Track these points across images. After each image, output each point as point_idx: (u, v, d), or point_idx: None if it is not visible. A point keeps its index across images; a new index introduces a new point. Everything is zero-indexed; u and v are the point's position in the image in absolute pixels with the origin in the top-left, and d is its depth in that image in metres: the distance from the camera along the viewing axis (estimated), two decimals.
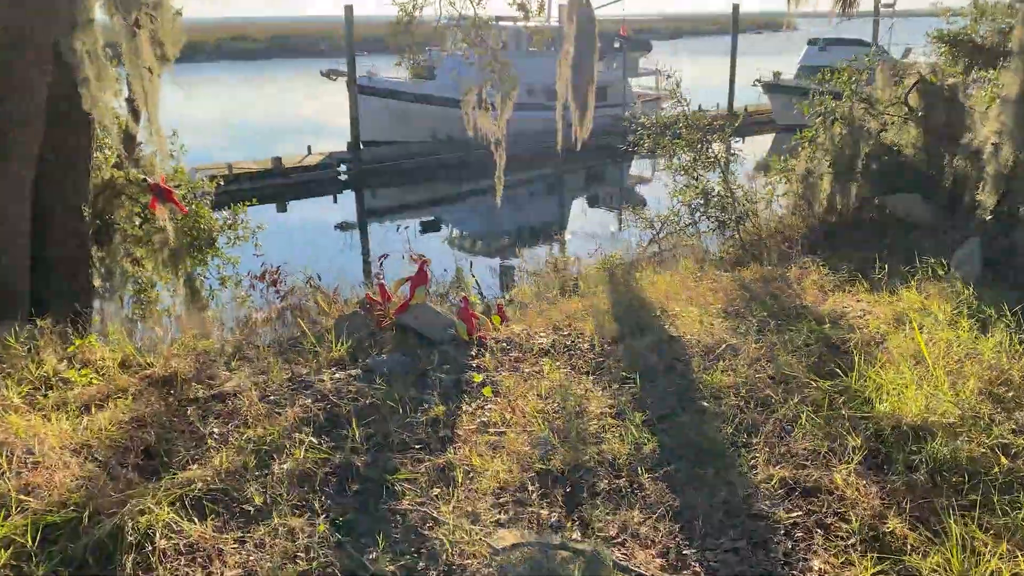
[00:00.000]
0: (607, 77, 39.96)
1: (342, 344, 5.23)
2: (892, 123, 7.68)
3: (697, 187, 8.28)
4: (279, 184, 29.58)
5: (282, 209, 28.76)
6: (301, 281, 7.87)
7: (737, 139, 42.99)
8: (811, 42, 45.42)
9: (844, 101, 8.03)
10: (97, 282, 7.59)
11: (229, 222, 8.06)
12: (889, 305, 5.37)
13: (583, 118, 10.82)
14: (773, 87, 42.36)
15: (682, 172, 8.52)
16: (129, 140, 7.85)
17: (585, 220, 28.38)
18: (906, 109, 7.85)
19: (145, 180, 6.78)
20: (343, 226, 26.94)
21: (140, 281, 8.38)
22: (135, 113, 7.53)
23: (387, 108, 34.01)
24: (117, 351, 5.29)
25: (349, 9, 31.36)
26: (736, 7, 44.55)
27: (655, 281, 6.66)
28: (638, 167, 37.36)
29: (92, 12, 5.90)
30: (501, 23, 12.85)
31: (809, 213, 7.78)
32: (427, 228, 27.41)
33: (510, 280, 17.75)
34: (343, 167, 31.84)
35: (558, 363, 5.01)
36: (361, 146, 31.79)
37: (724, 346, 4.91)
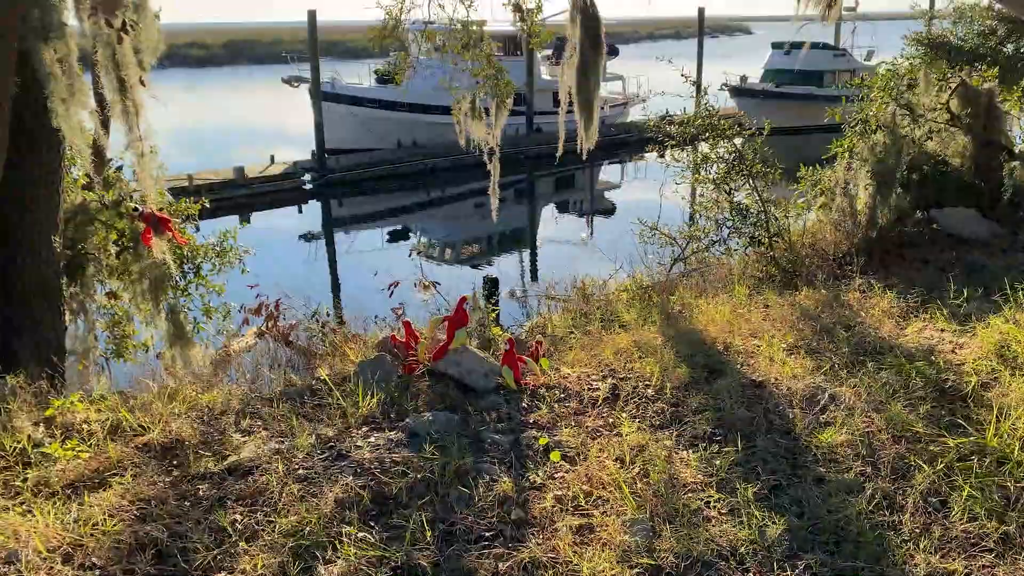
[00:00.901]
0: None
1: (371, 397, 4.50)
2: (936, 131, 7.18)
3: (729, 200, 7.69)
4: (242, 195, 28.53)
5: (245, 221, 27.71)
6: (298, 309, 7.11)
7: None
8: (775, 46, 45.57)
9: (880, 106, 7.49)
10: (67, 316, 6.74)
11: (217, 249, 7.24)
12: (982, 337, 4.82)
13: (589, 126, 10.20)
14: (740, 91, 42.39)
15: (711, 184, 7.92)
16: (98, 157, 7.00)
17: (556, 226, 27.88)
18: (948, 115, 7.38)
19: (136, 210, 5.94)
20: (308, 236, 26.07)
21: (115, 313, 7.54)
22: (104, 125, 6.68)
23: (352, 115, 33.15)
24: (105, 411, 4.50)
25: (312, 14, 30.47)
26: (702, 10, 44.52)
27: (703, 309, 6.04)
28: (607, 173, 37.03)
29: (64, 15, 5.10)
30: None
31: (851, 229, 7.22)
32: (395, 237, 26.72)
33: (495, 295, 17.17)
34: (308, 176, 30.87)
35: (626, 414, 4.34)
36: (326, 154, 30.87)
37: (820, 393, 4.29)
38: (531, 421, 4.31)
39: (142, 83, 5.24)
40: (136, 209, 5.93)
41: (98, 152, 6.70)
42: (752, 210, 7.63)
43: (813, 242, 7.45)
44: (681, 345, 5.18)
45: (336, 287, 21.00)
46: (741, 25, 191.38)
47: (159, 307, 6.90)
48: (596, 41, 9.94)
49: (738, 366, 4.83)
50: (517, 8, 10.51)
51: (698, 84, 38.53)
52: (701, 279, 7.22)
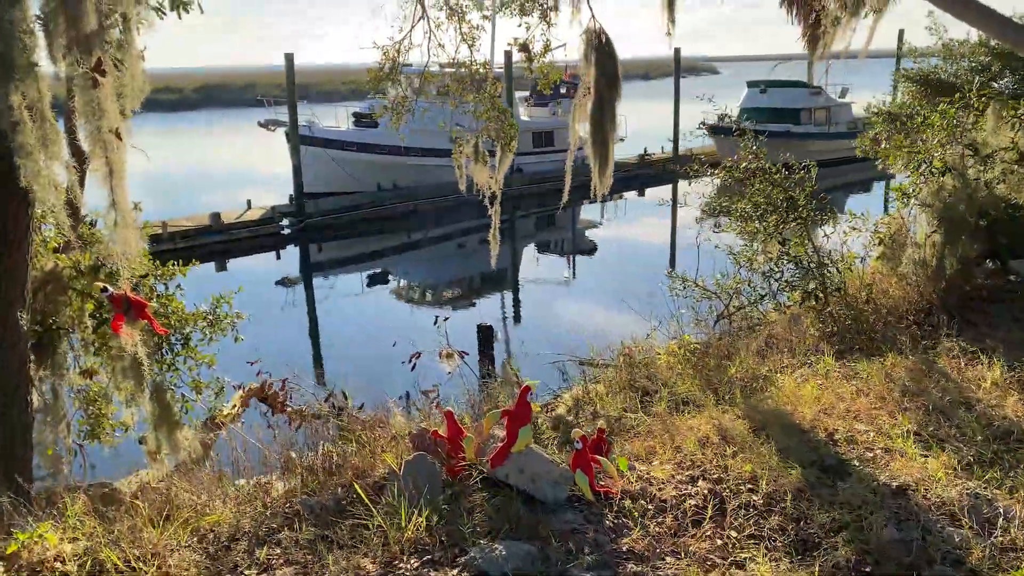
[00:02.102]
0: (554, 123, 39.39)
1: (417, 514, 3.63)
2: (1009, 172, 6.52)
3: (785, 251, 6.94)
4: (218, 242, 27.57)
5: (221, 268, 26.76)
6: (304, 383, 6.22)
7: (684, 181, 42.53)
8: (751, 84, 45.83)
9: (936, 145, 6.81)
10: (35, 399, 5.80)
11: (209, 317, 6.30)
12: None
13: (604, 169, 9.50)
14: (718, 129, 42.38)
15: (762, 235, 7.16)
16: (73, 215, 6.11)
17: (537, 266, 27.23)
18: (1017, 155, 6.73)
19: (105, 290, 4.97)
20: (286, 281, 25.14)
21: (90, 389, 6.60)
22: (81, 178, 5.79)
23: (330, 158, 32.46)
24: (82, 540, 3.59)
25: (290, 57, 29.86)
26: (678, 51, 44.62)
27: (781, 382, 5.25)
28: (588, 212, 36.57)
29: (36, 55, 4.26)
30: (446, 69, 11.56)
31: (923, 281, 6.49)
32: (375, 280, 25.91)
33: (491, 343, 16.28)
34: (286, 221, 30.00)
35: (737, 533, 3.51)
36: (304, 198, 30.06)
37: (984, 505, 3.49)
38: (624, 549, 3.46)
39: (118, 136, 4.38)
40: (105, 289, 4.96)
41: (73, 210, 5.82)
42: (804, 260, 6.89)
43: (872, 295, 6.71)
44: (775, 432, 4.38)
45: (315, 336, 20.11)
46: (708, 66, 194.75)
47: (142, 385, 5.98)
48: (612, 80, 9.28)
49: (855, 462, 4.03)
50: (524, 48, 9.85)
51: (676, 123, 38.50)
52: (756, 340, 6.43)
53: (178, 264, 6.24)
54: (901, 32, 55.86)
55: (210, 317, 6.20)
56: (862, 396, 4.88)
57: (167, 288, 6.04)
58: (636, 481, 4.01)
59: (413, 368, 5.68)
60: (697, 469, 4.10)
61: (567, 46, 9.97)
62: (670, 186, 40.41)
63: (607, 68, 9.21)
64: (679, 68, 45.58)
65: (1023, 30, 11.00)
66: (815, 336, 6.42)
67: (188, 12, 4.91)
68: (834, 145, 39.66)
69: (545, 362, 7.84)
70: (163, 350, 6.13)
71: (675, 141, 42.32)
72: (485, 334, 16.11)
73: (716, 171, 7.81)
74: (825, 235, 7.19)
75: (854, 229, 7.28)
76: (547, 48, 9.81)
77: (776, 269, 7.17)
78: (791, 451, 4.12)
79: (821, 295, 6.56)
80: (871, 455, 4.11)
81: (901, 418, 4.49)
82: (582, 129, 9.56)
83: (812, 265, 6.70)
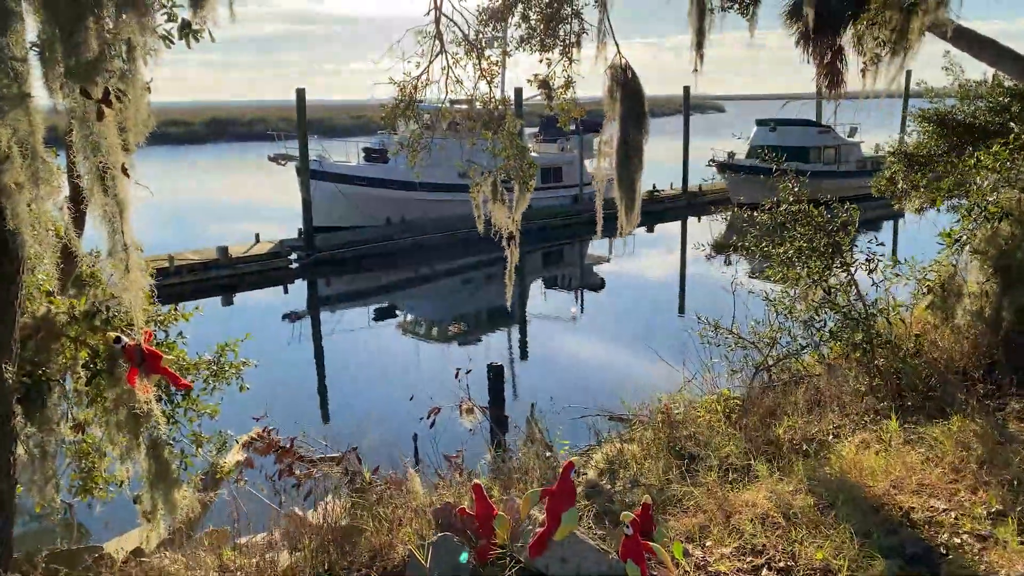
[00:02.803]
0: (563, 158, 39.32)
1: None
2: None
3: (831, 301, 6.46)
4: (225, 276, 27.27)
5: (228, 303, 26.43)
6: (312, 435, 5.75)
7: (693, 218, 42.38)
8: (760, 123, 45.80)
9: (987, 188, 6.36)
10: (21, 452, 5.35)
11: (214, 367, 5.83)
12: None
13: (631, 210, 9.11)
14: (727, 167, 42.23)
15: (803, 282, 6.67)
16: (67, 259, 5.70)
17: (544, 302, 26.82)
18: None
19: (119, 340, 4.57)
20: (292, 316, 24.79)
21: (83, 441, 6.14)
22: (79, 219, 5.38)
23: (340, 193, 32.32)
24: None
25: (301, 93, 29.85)
26: (687, 88, 44.61)
27: (843, 450, 4.77)
28: (595, 247, 36.28)
29: (28, 84, 3.89)
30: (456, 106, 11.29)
31: (981, 334, 6.01)
32: (381, 315, 25.56)
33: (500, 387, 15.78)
34: (294, 255, 29.74)
35: None
36: (314, 233, 29.85)
37: None
38: None
39: (125, 173, 3.99)
40: (118, 340, 4.58)
41: (68, 254, 5.42)
42: (849, 310, 6.39)
43: (922, 347, 6.22)
44: (845, 512, 3.89)
45: (322, 375, 19.68)
46: (715, 104, 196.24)
47: (138, 441, 5.52)
48: (639, 118, 8.92)
49: (943, 549, 3.54)
50: (544, 85, 9.51)
51: (685, 160, 38.44)
52: (800, 395, 5.95)
53: (178, 309, 5.79)
54: (909, 73, 56.11)
55: (214, 367, 5.76)
56: (932, 466, 4.40)
57: (167, 335, 5.61)
58: (693, 571, 3.53)
59: (432, 425, 5.22)
60: (760, 556, 3.62)
61: (587, 81, 9.64)
62: (679, 222, 40.19)
63: (633, 105, 8.87)
64: (688, 105, 45.63)
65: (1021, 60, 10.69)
66: (861, 391, 5.94)
67: (198, 41, 4.54)
68: (844, 184, 39.39)
69: (568, 415, 7.35)
70: (162, 401, 5.67)
71: (684, 178, 42.12)
72: (496, 374, 15.64)
73: (758, 212, 7.39)
74: (874, 283, 6.71)
75: (897, 276, 6.82)
76: (568, 84, 9.48)
77: (817, 318, 6.71)
78: (865, 534, 3.64)
79: (868, 347, 6.08)
80: (958, 541, 3.62)
81: (984, 495, 4.01)
82: (606, 166, 9.21)
83: (859, 316, 6.23)
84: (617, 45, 8.75)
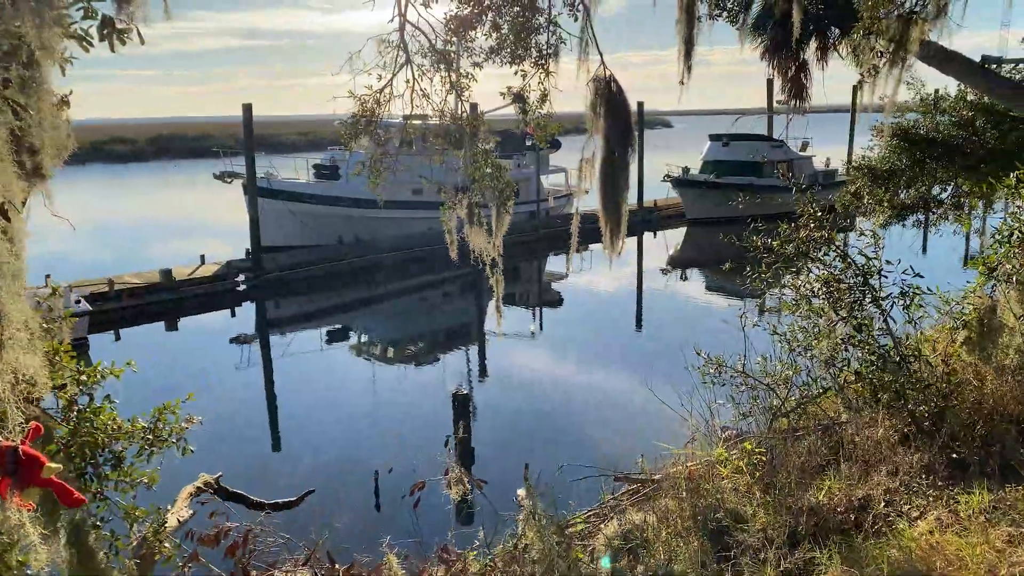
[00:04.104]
0: (520, 174, 38.70)
1: None
2: None
3: (865, 340, 5.73)
4: (168, 300, 25.93)
5: (172, 327, 25.10)
6: (270, 522, 4.84)
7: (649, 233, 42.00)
8: (713, 137, 45.89)
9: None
10: None
11: (149, 436, 4.81)
12: None
13: (617, 234, 8.39)
14: (682, 182, 42.11)
15: (835, 315, 5.92)
16: None
17: (502, 319, 26.12)
18: None
19: None
20: (240, 339, 23.60)
21: None
22: None
23: (290, 211, 31.20)
24: None
25: (248, 108, 28.70)
26: (641, 104, 44.46)
27: (905, 528, 4.06)
28: (552, 264, 35.69)
29: None
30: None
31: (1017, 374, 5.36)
32: (335, 337, 24.54)
33: (469, 415, 14.91)
34: (242, 277, 28.49)
35: None
36: (262, 252, 28.64)
37: None
38: None
39: (4, 216, 3.05)
40: None
41: None
42: (884, 349, 5.70)
43: (958, 388, 5.54)
44: None
45: (271, 396, 18.64)
46: (662, 119, 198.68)
47: (56, 525, 4.55)
48: (625, 135, 8.24)
49: None
50: (519, 98, 8.76)
51: (640, 175, 38.05)
52: (829, 446, 5.23)
53: (107, 366, 4.79)
54: (855, 88, 56.99)
55: (150, 436, 4.76)
56: (1016, 547, 3.71)
57: (92, 400, 4.64)
58: None
59: (416, 504, 4.38)
60: None
61: (564, 95, 8.92)
62: (635, 238, 39.85)
63: (618, 120, 8.16)
64: (643, 121, 45.47)
65: (1005, 83, 10.38)
66: (893, 441, 5.27)
67: (123, 43, 3.67)
68: (797, 198, 39.49)
69: (566, 472, 6.48)
70: (87, 476, 4.71)
71: (640, 193, 41.89)
72: (461, 402, 14.78)
73: (779, 238, 6.68)
74: (910, 320, 6.00)
75: (920, 307, 6.13)
76: (544, 98, 8.74)
77: (838, 357, 6.00)
78: None
79: (900, 390, 5.41)
80: None
81: None
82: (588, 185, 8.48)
83: (896, 355, 5.54)
84: (601, 56, 8.00)
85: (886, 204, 16.09)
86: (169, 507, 5.85)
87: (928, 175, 16.59)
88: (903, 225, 16.95)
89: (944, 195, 16.60)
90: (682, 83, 8.60)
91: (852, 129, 53.17)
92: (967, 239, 34.15)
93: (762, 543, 4.01)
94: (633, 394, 16.29)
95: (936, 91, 16.20)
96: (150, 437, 4.64)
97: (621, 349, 21.39)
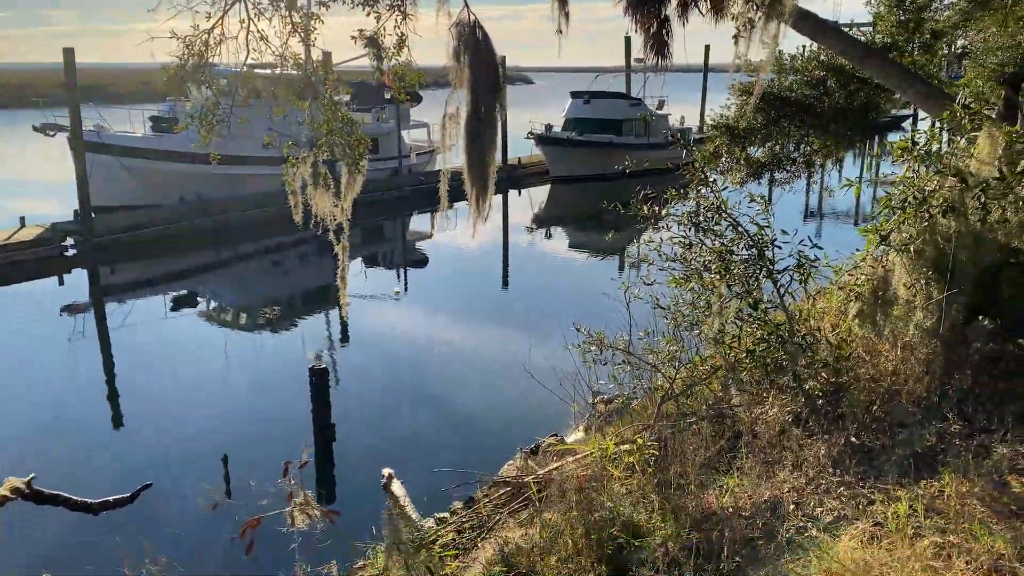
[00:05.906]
0: (380, 129, 37.10)
1: None
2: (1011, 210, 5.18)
3: (761, 315, 5.25)
4: None
5: None
6: None
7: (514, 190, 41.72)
8: (575, 95, 45.80)
9: (928, 176, 5.32)
10: None
11: None
12: None
13: (483, 197, 7.67)
14: (545, 139, 41.83)
15: (717, 293, 5.40)
16: None
17: (365, 281, 24.99)
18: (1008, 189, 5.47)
19: None
20: (72, 309, 21.35)
21: None
22: None
23: (124, 167, 28.40)
24: None
25: (69, 52, 25.64)
26: (503, 58, 43.67)
27: (818, 535, 3.58)
28: (417, 223, 34.65)
29: None
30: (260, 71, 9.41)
31: (931, 351, 4.99)
32: (180, 304, 22.67)
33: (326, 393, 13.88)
34: (70, 240, 25.79)
35: None
36: (92, 213, 25.95)
37: None
38: None
39: None
40: None
41: None
42: (774, 328, 5.27)
43: (851, 364, 5.19)
44: None
45: (110, 368, 16.92)
46: (522, 75, 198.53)
47: None
48: (493, 88, 7.46)
49: None
50: (372, 43, 7.78)
51: (504, 132, 37.30)
52: (725, 436, 4.75)
53: None
54: (707, 48, 58.52)
55: None
56: (957, 561, 3.29)
57: None
58: None
59: (249, 549, 3.53)
60: None
61: (425, 43, 8.04)
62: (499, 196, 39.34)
63: (486, 71, 7.36)
64: (505, 76, 44.68)
65: (858, 44, 10.41)
66: (784, 421, 4.89)
67: None
68: (654, 155, 40.14)
69: (439, 474, 5.73)
70: None
71: (504, 150, 41.31)
72: (319, 377, 13.71)
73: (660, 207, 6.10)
74: (808, 295, 5.60)
75: (814, 279, 5.71)
76: (402, 43, 7.81)
77: (728, 334, 5.54)
78: None
79: (794, 370, 5.01)
80: None
81: None
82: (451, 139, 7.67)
83: (790, 335, 5.13)
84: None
85: (743, 162, 16.20)
86: None
87: (781, 133, 16.78)
88: (759, 183, 17.21)
89: (796, 153, 16.89)
90: (560, 32, 7.91)
91: (704, 88, 54.65)
92: (807, 194, 35.82)
93: (665, 564, 3.47)
94: (502, 356, 15.84)
95: (796, 51, 16.38)
96: None
97: (488, 309, 20.89)
